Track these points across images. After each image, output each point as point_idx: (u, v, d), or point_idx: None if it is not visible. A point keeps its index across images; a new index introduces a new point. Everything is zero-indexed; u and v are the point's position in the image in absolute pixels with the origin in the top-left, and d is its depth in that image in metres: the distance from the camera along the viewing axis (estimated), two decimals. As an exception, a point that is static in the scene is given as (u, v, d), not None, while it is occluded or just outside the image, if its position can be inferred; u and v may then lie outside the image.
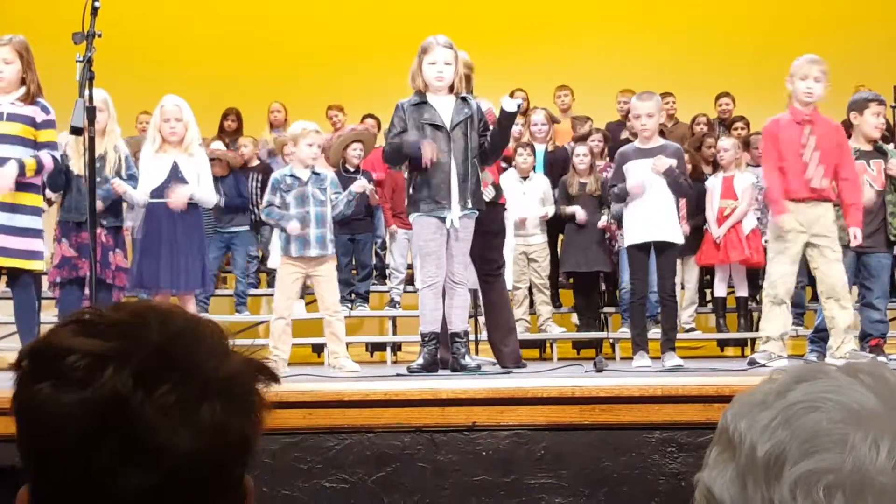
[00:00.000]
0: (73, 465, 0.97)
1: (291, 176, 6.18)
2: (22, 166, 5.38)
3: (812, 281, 6.45)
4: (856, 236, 5.78)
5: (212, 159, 8.59)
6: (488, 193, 6.06)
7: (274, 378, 1.07)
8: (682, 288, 8.41)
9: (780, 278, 5.77)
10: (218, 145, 9.22)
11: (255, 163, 9.42)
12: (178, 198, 6.12)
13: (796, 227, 5.73)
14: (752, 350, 7.70)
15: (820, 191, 5.75)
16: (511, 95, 9.57)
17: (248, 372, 1.05)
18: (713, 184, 8.42)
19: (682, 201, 7.35)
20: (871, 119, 6.38)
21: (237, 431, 1.01)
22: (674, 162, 6.26)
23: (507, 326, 6.37)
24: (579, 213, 8.46)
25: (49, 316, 6.60)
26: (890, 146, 7.03)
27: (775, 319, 5.80)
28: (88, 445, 0.96)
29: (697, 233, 8.42)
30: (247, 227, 9.01)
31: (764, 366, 5.66)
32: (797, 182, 5.77)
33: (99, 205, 5.84)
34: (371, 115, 9.82)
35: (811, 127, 5.79)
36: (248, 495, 1.08)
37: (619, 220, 7.80)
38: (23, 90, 5.53)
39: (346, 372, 5.94)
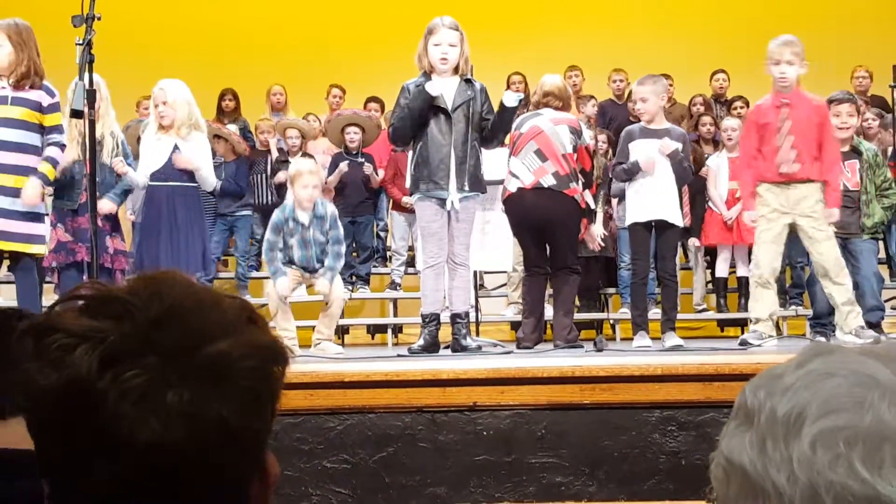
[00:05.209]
0: (53, 451, 0.93)
1: (294, 220, 6.21)
2: (44, 177, 5.42)
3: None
4: (831, 215, 5.71)
5: (218, 137, 8.61)
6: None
7: (280, 361, 1.01)
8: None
9: (764, 259, 5.79)
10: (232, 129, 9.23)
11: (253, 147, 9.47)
12: (181, 158, 6.11)
13: (778, 208, 5.73)
14: (752, 330, 7.74)
15: (790, 175, 5.72)
16: (508, 80, 9.71)
17: (244, 353, 0.95)
18: (717, 164, 8.39)
19: (685, 193, 7.35)
20: (834, 121, 6.39)
21: (216, 420, 0.92)
22: (679, 146, 6.30)
23: (563, 309, 6.46)
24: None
25: (50, 300, 6.60)
26: (872, 144, 7.00)
27: (763, 300, 5.82)
28: (62, 432, 0.91)
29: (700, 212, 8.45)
30: (249, 212, 9.02)
31: (759, 346, 5.68)
32: (775, 165, 5.77)
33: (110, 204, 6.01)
34: (374, 99, 9.79)
35: (788, 110, 5.76)
36: (266, 478, 1.01)
37: (619, 197, 7.81)
38: (16, 72, 5.49)
39: (319, 350, 6.05)
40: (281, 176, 8.74)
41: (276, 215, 6.40)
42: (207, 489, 0.93)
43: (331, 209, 6.37)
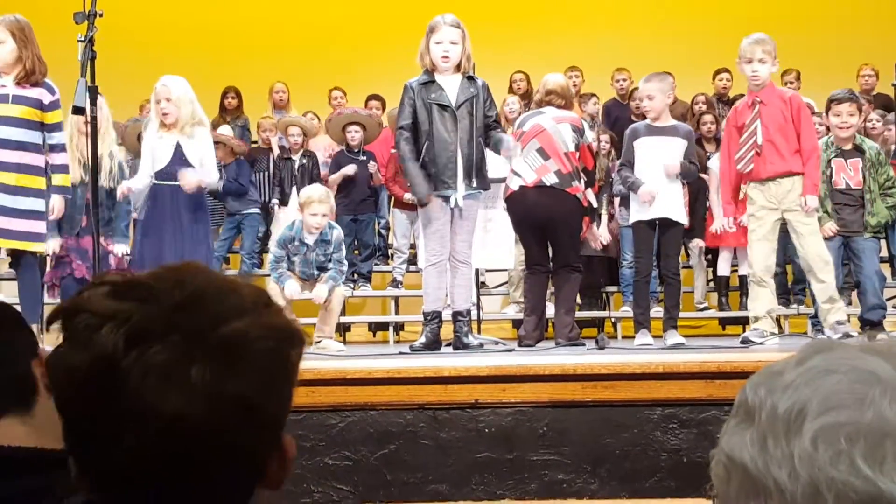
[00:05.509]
0: (80, 429, 0.97)
1: (300, 241, 6.30)
2: (63, 189, 5.50)
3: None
4: (806, 203, 5.68)
5: (216, 143, 8.62)
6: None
7: (296, 343, 1.04)
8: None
9: (757, 258, 5.79)
10: (225, 130, 9.22)
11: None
12: (188, 180, 6.01)
13: (766, 205, 5.73)
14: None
15: (768, 172, 5.72)
16: (511, 78, 9.72)
17: (261, 334, 1.00)
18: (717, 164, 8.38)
19: (685, 195, 7.36)
20: (834, 120, 6.38)
21: (235, 397, 0.97)
22: (684, 144, 6.34)
23: (564, 307, 6.48)
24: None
25: (50, 297, 6.60)
26: (875, 143, 6.98)
27: (760, 298, 5.82)
28: (91, 406, 0.95)
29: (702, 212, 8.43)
30: (257, 210, 9.02)
31: (761, 343, 5.68)
32: (757, 164, 5.77)
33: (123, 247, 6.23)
34: (375, 97, 9.80)
35: (759, 108, 5.76)
36: (284, 458, 1.05)
37: (623, 196, 7.81)
38: (20, 69, 5.48)
39: (320, 348, 6.06)
40: (278, 213, 8.82)
41: (284, 232, 6.46)
42: (226, 464, 0.98)
43: (336, 234, 6.41)
